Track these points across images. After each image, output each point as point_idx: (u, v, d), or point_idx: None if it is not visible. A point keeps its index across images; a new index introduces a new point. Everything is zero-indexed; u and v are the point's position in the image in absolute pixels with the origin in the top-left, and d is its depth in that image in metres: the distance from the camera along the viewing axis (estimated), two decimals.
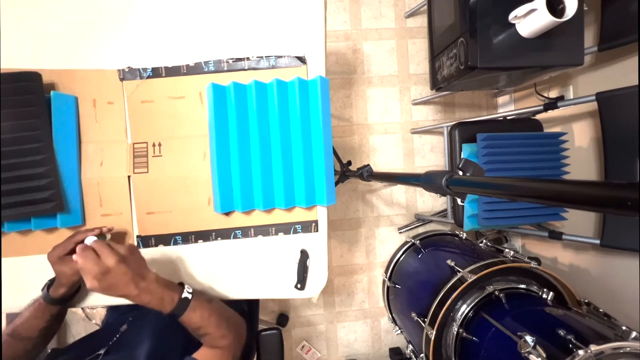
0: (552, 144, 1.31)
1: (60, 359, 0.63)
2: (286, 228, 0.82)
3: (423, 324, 1.14)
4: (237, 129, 0.74)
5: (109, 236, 0.72)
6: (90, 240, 0.65)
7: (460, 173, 0.53)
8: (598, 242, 1.19)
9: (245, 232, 0.81)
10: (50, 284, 0.69)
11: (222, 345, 0.66)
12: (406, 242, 1.66)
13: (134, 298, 0.59)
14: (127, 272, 0.57)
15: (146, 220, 0.79)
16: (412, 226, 1.83)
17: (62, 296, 0.68)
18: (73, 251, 0.65)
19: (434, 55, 1.42)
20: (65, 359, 0.62)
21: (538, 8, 0.95)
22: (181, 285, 0.65)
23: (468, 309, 1.06)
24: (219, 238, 0.81)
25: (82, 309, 1.61)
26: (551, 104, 1.27)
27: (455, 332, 1.03)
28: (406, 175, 0.75)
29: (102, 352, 0.64)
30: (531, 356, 0.76)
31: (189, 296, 0.63)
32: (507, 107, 1.86)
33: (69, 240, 0.66)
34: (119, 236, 0.78)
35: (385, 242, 1.84)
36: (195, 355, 0.63)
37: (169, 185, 0.79)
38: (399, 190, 1.86)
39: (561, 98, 1.47)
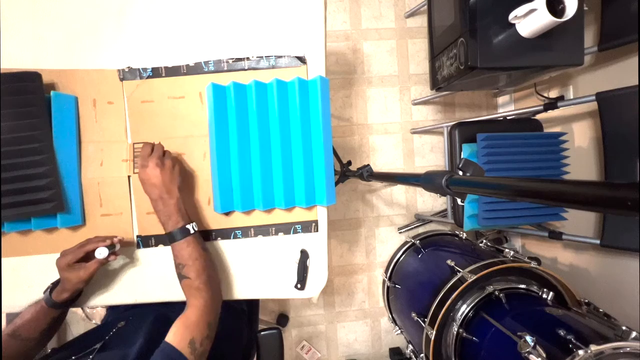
0: (552, 144, 1.31)
1: (58, 355, 0.63)
2: (286, 228, 0.82)
3: (423, 324, 1.14)
4: (237, 129, 0.74)
5: (118, 246, 0.72)
6: (101, 251, 0.67)
7: (460, 173, 0.53)
8: (598, 242, 1.19)
9: (245, 232, 0.81)
10: (52, 287, 0.69)
11: (195, 303, 0.64)
12: (406, 242, 1.66)
13: (152, 201, 0.68)
14: (158, 177, 0.67)
15: (146, 220, 0.79)
16: (412, 226, 1.83)
17: (65, 300, 0.68)
18: (82, 259, 0.67)
19: (434, 55, 1.42)
20: (63, 355, 0.62)
21: (538, 8, 0.95)
22: (191, 221, 0.70)
23: (468, 309, 1.06)
24: (219, 238, 0.81)
25: (82, 309, 1.61)
26: (551, 104, 1.27)
27: (455, 332, 1.03)
28: (406, 175, 0.75)
29: (97, 346, 0.64)
30: (531, 356, 0.76)
31: (191, 230, 0.68)
32: (507, 107, 1.86)
33: (80, 249, 0.67)
34: (127, 245, 0.78)
35: (385, 242, 1.84)
36: (167, 337, 0.60)
37: None
38: (399, 190, 1.86)
39: (561, 98, 1.47)
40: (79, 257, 0.66)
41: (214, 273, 0.71)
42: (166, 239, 0.74)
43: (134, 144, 0.79)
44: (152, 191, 0.67)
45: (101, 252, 0.67)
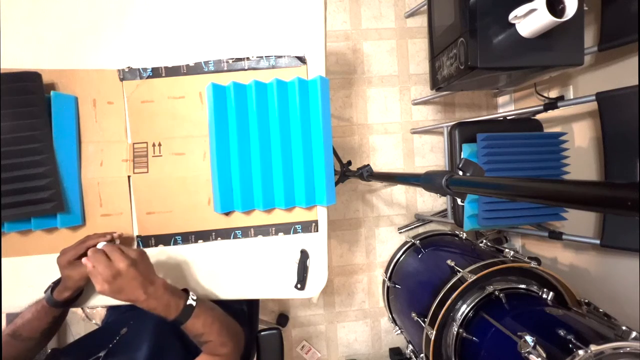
0: (552, 144, 1.31)
1: None
2: (286, 228, 0.82)
3: (423, 324, 1.14)
4: (237, 129, 0.74)
5: (118, 242, 0.72)
6: (101, 246, 0.66)
7: (460, 173, 0.53)
8: (598, 242, 1.19)
9: (245, 232, 0.81)
10: (54, 286, 0.69)
11: (222, 353, 0.66)
12: (406, 242, 1.66)
13: (141, 303, 0.59)
14: (136, 276, 0.58)
15: (146, 220, 0.79)
16: (412, 226, 1.83)
17: (66, 299, 0.68)
18: (83, 256, 0.65)
19: (434, 55, 1.42)
20: None
21: (538, 8, 0.95)
22: (186, 291, 0.66)
23: (468, 309, 1.06)
24: (219, 238, 0.81)
25: (82, 309, 1.61)
26: (551, 104, 1.27)
27: (455, 332, 1.03)
28: (406, 175, 0.75)
29: (102, 354, 0.64)
30: (531, 356, 0.76)
31: (193, 303, 0.64)
32: (507, 107, 1.86)
33: (80, 245, 0.66)
34: (127, 241, 0.78)
35: (385, 242, 1.84)
36: None
37: (169, 185, 0.79)
38: (399, 190, 1.86)
39: (561, 98, 1.47)
40: (79, 254, 0.66)
41: (228, 320, 0.71)
42: (167, 238, 0.75)
43: (134, 144, 0.79)
44: (136, 295, 0.58)
45: (101, 247, 0.67)
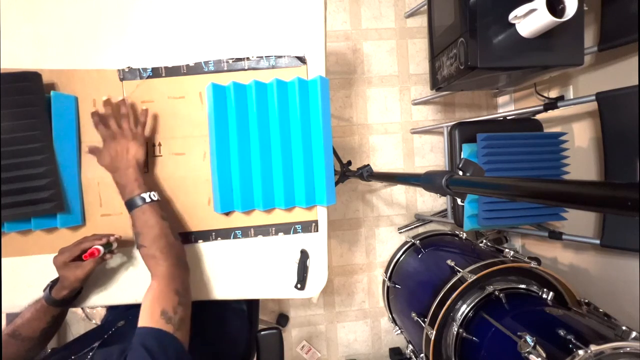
0: (552, 144, 1.31)
1: (57, 355, 0.63)
2: (286, 228, 0.82)
3: (423, 324, 1.14)
4: (237, 129, 0.74)
5: (115, 245, 0.72)
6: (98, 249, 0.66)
7: (460, 173, 0.53)
8: (598, 242, 1.19)
9: (245, 232, 0.81)
10: (52, 285, 0.69)
11: (156, 272, 0.63)
12: (406, 242, 1.66)
13: (111, 170, 0.69)
14: (122, 147, 0.68)
15: None
16: (412, 226, 1.83)
17: (64, 298, 0.68)
18: (78, 257, 0.66)
19: (434, 55, 1.42)
20: (63, 355, 0.62)
21: (538, 8, 0.95)
22: (152, 191, 0.69)
23: (468, 309, 1.06)
24: (219, 238, 0.81)
25: (82, 308, 1.61)
26: (551, 104, 1.27)
27: (455, 332, 1.03)
28: (406, 175, 0.75)
29: (96, 344, 0.64)
30: (531, 356, 0.76)
31: (146, 198, 0.67)
32: (507, 107, 1.86)
33: (76, 247, 0.67)
34: (126, 242, 0.78)
35: (385, 242, 1.84)
36: (139, 320, 0.58)
37: (169, 185, 0.79)
38: (399, 190, 1.86)
39: (561, 98, 1.47)
40: (75, 255, 0.66)
41: (173, 240, 0.68)
42: None
43: None
44: (113, 160, 0.69)
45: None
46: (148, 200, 0.67)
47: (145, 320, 0.57)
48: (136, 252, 0.79)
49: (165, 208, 0.71)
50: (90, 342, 0.65)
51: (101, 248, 0.67)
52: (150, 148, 0.79)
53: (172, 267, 0.64)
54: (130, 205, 0.66)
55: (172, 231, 0.69)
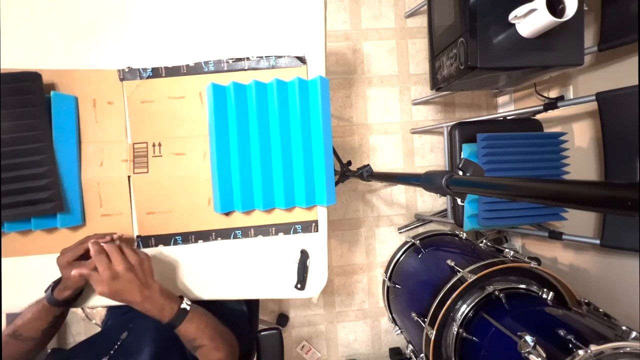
0: (552, 144, 1.31)
1: None
2: (286, 228, 0.82)
3: (423, 324, 1.14)
4: (237, 129, 0.74)
5: (117, 242, 0.72)
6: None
7: (460, 173, 0.53)
8: (598, 242, 1.19)
9: (245, 232, 0.81)
10: (54, 285, 0.69)
11: (216, 358, 0.67)
12: (406, 242, 1.66)
13: (137, 305, 0.62)
14: (134, 280, 0.61)
15: (146, 220, 0.79)
16: (412, 226, 1.83)
17: (66, 298, 0.68)
18: (82, 256, 0.66)
19: (434, 55, 1.42)
20: None
21: (538, 8, 0.95)
22: (181, 297, 0.69)
23: (468, 309, 1.06)
24: (219, 238, 0.81)
25: (82, 308, 1.61)
26: (551, 104, 1.27)
27: (455, 332, 1.03)
28: (406, 175, 0.75)
29: None
30: (531, 356, 0.76)
31: (187, 307, 0.66)
32: (507, 107, 1.86)
33: (79, 246, 0.67)
34: (127, 242, 0.78)
35: (385, 242, 1.84)
36: None
37: (169, 185, 0.79)
38: (399, 190, 1.86)
39: (561, 98, 1.47)
40: (78, 255, 0.66)
41: (222, 328, 0.72)
42: (167, 239, 0.74)
43: (134, 144, 0.79)
44: (132, 297, 0.61)
45: None
46: (188, 307, 0.67)
47: None
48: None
49: (195, 306, 0.70)
50: (95, 355, 0.65)
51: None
52: (150, 148, 0.79)
53: (230, 354, 0.70)
54: (175, 323, 0.65)
55: (216, 320, 0.72)
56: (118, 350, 0.68)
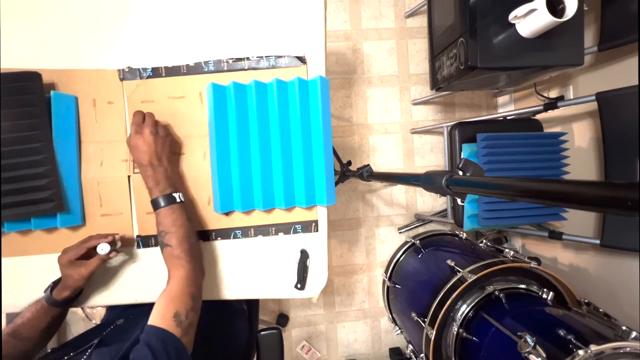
0: (552, 144, 1.31)
1: (56, 354, 0.63)
2: (286, 228, 0.82)
3: (423, 324, 1.14)
4: (237, 129, 0.74)
5: (119, 243, 0.73)
6: (103, 247, 0.67)
7: (460, 173, 0.53)
8: (598, 242, 1.19)
9: (245, 232, 0.81)
10: (53, 286, 0.69)
11: (177, 274, 0.63)
12: (406, 242, 1.66)
13: (141, 166, 0.68)
14: (150, 144, 0.68)
15: (146, 220, 0.79)
16: (412, 226, 1.83)
17: (66, 298, 0.68)
18: (84, 256, 0.67)
19: (434, 55, 1.42)
20: (61, 354, 0.62)
21: (538, 8, 0.95)
22: (178, 190, 0.70)
23: (468, 309, 1.06)
24: (219, 238, 0.81)
25: (82, 308, 1.61)
26: (551, 104, 1.27)
27: (455, 332, 1.03)
28: (406, 175, 0.75)
29: (94, 342, 0.64)
30: (531, 356, 0.76)
31: (177, 198, 0.69)
32: (507, 107, 1.86)
33: (81, 245, 0.67)
34: (127, 242, 0.78)
35: (385, 242, 1.84)
36: (150, 317, 0.58)
37: None
38: (399, 190, 1.86)
39: (561, 98, 1.47)
40: (80, 254, 0.66)
41: (196, 244, 0.71)
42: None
43: None
44: (142, 157, 0.67)
45: (103, 248, 0.68)
46: (178, 200, 0.68)
47: (156, 319, 0.56)
48: (137, 252, 0.79)
49: (188, 210, 0.72)
50: (88, 340, 0.65)
51: (107, 246, 0.68)
52: None
53: (192, 270, 0.65)
54: (159, 202, 0.67)
55: (194, 231, 0.71)
56: (110, 333, 0.68)
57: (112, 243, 0.70)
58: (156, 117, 0.73)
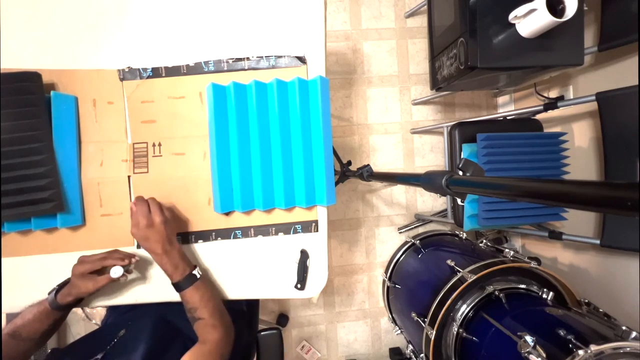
0: (552, 144, 1.31)
1: None
2: (286, 228, 0.82)
3: (423, 324, 1.14)
4: (237, 129, 0.74)
5: (132, 267, 0.72)
6: (116, 270, 0.68)
7: (460, 173, 0.53)
8: (598, 242, 1.19)
9: (245, 232, 0.81)
10: (58, 289, 0.69)
11: (211, 338, 0.67)
12: (406, 242, 1.66)
13: (157, 255, 0.68)
14: (162, 233, 0.68)
15: None
16: (412, 226, 1.83)
17: (69, 303, 0.69)
18: (97, 271, 0.68)
19: (434, 55, 1.42)
20: None
21: (538, 8, 0.95)
22: (195, 266, 0.72)
23: (468, 309, 1.06)
24: (219, 238, 0.81)
25: (82, 309, 1.61)
26: (551, 104, 1.27)
27: (455, 332, 1.03)
28: (406, 175, 0.75)
29: (99, 356, 0.64)
30: (531, 356, 0.76)
31: (197, 275, 0.70)
32: (507, 107, 1.86)
33: (98, 261, 0.68)
34: (127, 241, 0.78)
35: (385, 242, 1.84)
36: (184, 357, 0.63)
37: (169, 185, 0.79)
38: (399, 190, 1.86)
39: (561, 98, 1.47)
40: (95, 269, 0.67)
41: (223, 308, 0.73)
42: None
43: (134, 144, 0.79)
44: (156, 247, 0.68)
45: (116, 272, 0.68)
46: (198, 276, 0.70)
47: None
48: (137, 253, 0.79)
49: (205, 277, 0.74)
50: (92, 350, 0.65)
51: (121, 269, 0.68)
52: (150, 148, 0.79)
53: (225, 334, 0.69)
54: (182, 285, 0.69)
55: (221, 301, 0.74)
56: (114, 347, 0.68)
57: (128, 266, 0.71)
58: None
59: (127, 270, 0.70)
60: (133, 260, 0.71)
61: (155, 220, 0.67)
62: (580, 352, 0.74)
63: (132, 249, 0.79)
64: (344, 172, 1.39)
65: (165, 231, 0.68)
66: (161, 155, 0.79)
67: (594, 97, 1.13)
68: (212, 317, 0.68)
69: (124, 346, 0.69)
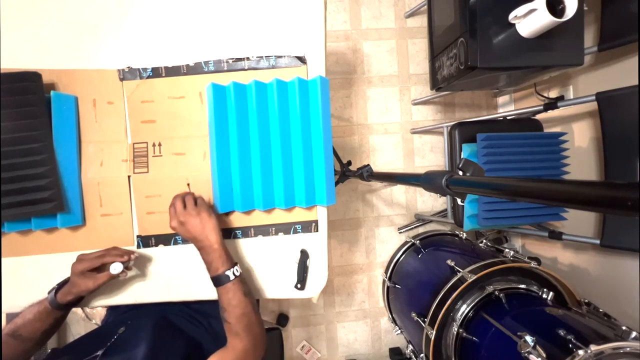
0: (552, 144, 1.31)
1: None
2: (286, 228, 0.82)
3: (423, 324, 1.14)
4: (237, 129, 0.74)
5: (132, 263, 0.72)
6: (116, 267, 0.68)
7: (460, 173, 0.53)
8: (598, 242, 1.19)
9: (245, 232, 0.81)
10: (58, 288, 0.69)
11: (236, 346, 0.65)
12: (406, 242, 1.66)
13: (200, 248, 0.69)
14: (215, 226, 0.68)
15: (146, 220, 0.79)
16: (412, 226, 1.83)
17: (69, 302, 0.69)
18: (97, 269, 0.68)
19: (434, 55, 1.42)
20: None
21: (538, 8, 0.95)
22: (235, 264, 0.70)
23: (468, 309, 1.06)
24: None
25: (82, 309, 1.61)
26: (551, 104, 1.27)
27: (455, 332, 1.03)
28: (406, 175, 0.75)
29: (99, 353, 0.64)
30: (531, 356, 0.76)
31: (230, 276, 0.67)
32: (507, 107, 1.86)
33: (97, 259, 0.68)
34: (127, 241, 0.78)
35: (385, 242, 1.84)
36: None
37: (169, 185, 0.79)
38: (399, 190, 1.86)
39: (561, 98, 1.47)
40: (94, 267, 0.67)
41: (256, 318, 0.70)
42: (167, 238, 0.74)
43: (134, 144, 0.79)
44: (212, 239, 0.68)
45: (116, 268, 0.68)
46: (232, 277, 0.67)
47: None
48: (137, 250, 0.79)
49: (245, 281, 0.71)
50: (92, 348, 0.65)
51: (120, 265, 0.68)
52: (150, 148, 0.79)
53: (251, 346, 0.66)
54: (216, 282, 0.68)
55: (254, 307, 0.70)
56: (114, 343, 0.68)
57: (127, 262, 0.70)
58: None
59: (126, 267, 0.70)
60: (132, 256, 0.71)
61: (202, 215, 0.68)
62: (580, 352, 0.74)
63: (132, 249, 0.79)
64: (344, 172, 1.39)
65: (216, 222, 0.69)
66: (161, 155, 0.79)
67: (594, 97, 1.13)
68: (237, 323, 0.66)
69: (124, 343, 0.69)
